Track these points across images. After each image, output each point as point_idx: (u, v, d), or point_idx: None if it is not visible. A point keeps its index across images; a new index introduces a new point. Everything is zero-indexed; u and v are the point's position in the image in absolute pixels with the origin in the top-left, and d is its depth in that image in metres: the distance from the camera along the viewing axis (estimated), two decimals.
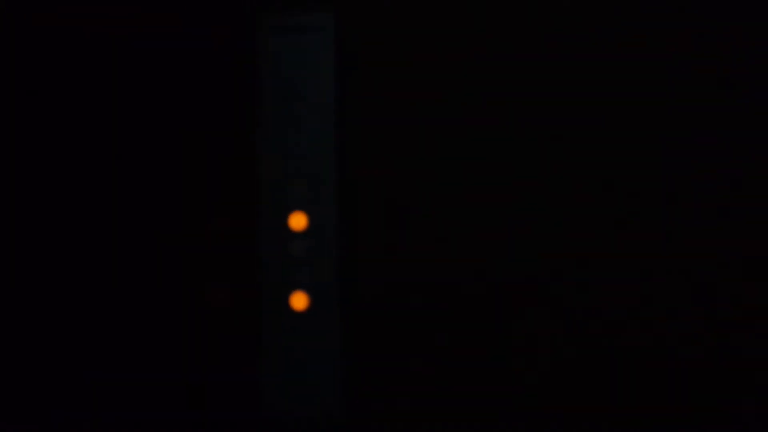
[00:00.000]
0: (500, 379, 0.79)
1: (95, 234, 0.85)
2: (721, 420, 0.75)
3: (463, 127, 0.80)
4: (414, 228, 0.81)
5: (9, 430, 0.84)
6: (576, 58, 0.78)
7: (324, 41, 0.81)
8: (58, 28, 0.85)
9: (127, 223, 0.84)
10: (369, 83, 0.82)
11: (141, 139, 0.85)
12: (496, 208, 0.79)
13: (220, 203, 0.83)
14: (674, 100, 0.77)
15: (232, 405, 0.82)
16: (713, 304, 0.75)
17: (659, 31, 0.77)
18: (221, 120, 0.84)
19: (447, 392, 0.79)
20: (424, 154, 0.81)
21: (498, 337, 0.79)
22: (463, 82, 0.80)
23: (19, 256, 0.85)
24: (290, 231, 0.81)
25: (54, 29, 0.85)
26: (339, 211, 0.81)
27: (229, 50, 0.84)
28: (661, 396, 0.76)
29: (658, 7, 0.77)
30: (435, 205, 0.80)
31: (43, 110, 0.85)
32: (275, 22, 0.82)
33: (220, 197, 0.84)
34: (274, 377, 0.81)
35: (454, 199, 0.80)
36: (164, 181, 0.84)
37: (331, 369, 0.80)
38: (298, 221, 0.81)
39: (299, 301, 0.80)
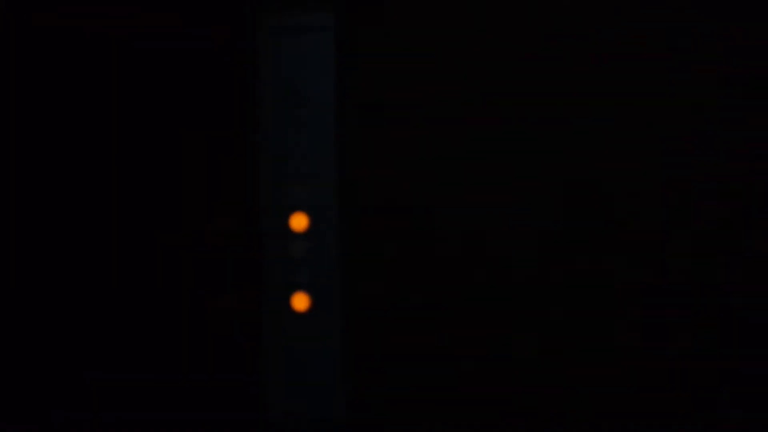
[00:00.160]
0: (501, 379, 0.79)
1: (96, 234, 0.84)
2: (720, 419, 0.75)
3: (465, 127, 0.80)
4: (415, 228, 0.80)
5: (9, 430, 0.83)
6: (578, 59, 0.78)
7: (325, 41, 0.81)
8: (58, 28, 0.85)
9: (127, 223, 0.84)
10: (370, 83, 0.82)
11: (141, 140, 0.84)
12: (499, 208, 0.79)
13: (220, 204, 0.83)
14: (674, 100, 0.77)
15: (232, 405, 0.82)
16: (713, 304, 0.75)
17: (659, 31, 0.77)
18: (221, 120, 0.84)
19: (448, 393, 0.79)
20: (426, 154, 0.81)
21: (499, 338, 0.79)
22: (466, 82, 0.80)
23: (18, 256, 0.85)
24: (291, 232, 0.81)
25: (54, 29, 0.85)
26: (340, 211, 0.81)
27: (229, 50, 0.84)
28: (662, 395, 0.76)
29: (658, 7, 0.77)
30: (436, 205, 0.80)
31: (43, 110, 0.85)
32: (275, 22, 0.82)
33: (220, 198, 0.83)
34: (275, 378, 0.81)
35: (455, 199, 0.80)
36: (164, 182, 0.84)
37: (332, 369, 0.80)
38: (299, 222, 0.81)
39: (300, 301, 0.80)
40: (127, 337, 0.84)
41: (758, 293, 0.74)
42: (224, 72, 0.84)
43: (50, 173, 0.85)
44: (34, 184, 0.85)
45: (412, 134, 0.81)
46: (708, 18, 0.76)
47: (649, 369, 0.76)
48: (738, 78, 0.75)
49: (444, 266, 0.80)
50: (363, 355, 0.81)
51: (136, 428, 0.83)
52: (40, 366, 0.84)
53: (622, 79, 0.77)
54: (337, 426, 0.80)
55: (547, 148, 0.78)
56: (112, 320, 0.84)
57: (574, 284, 0.78)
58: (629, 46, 0.77)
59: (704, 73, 0.76)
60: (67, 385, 0.84)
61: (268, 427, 0.81)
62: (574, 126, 0.78)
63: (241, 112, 0.83)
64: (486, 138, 0.80)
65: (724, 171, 0.75)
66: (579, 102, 0.78)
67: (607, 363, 0.77)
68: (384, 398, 0.80)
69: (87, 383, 0.84)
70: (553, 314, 0.78)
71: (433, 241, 0.80)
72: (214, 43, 0.84)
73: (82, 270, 0.84)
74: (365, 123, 0.81)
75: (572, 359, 0.77)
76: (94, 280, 0.84)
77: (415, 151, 0.81)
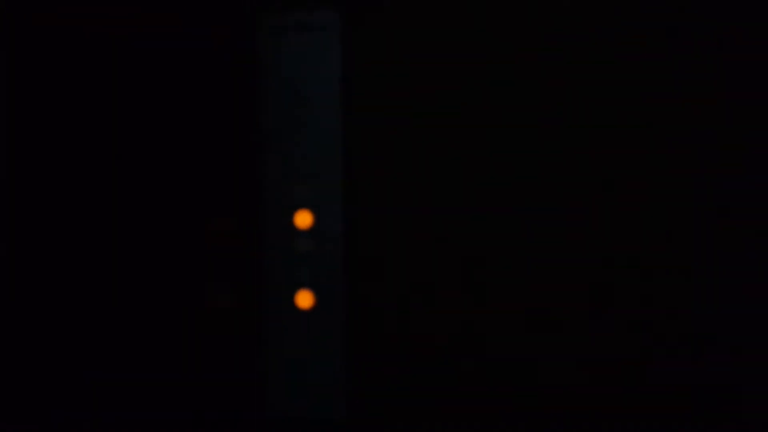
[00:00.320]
0: (502, 379, 0.79)
1: (97, 234, 0.84)
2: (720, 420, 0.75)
3: (470, 126, 0.80)
4: (420, 227, 0.81)
5: (9, 430, 0.83)
6: (581, 61, 0.79)
7: (328, 40, 0.81)
8: (58, 28, 0.85)
9: (129, 224, 0.84)
10: (373, 83, 0.82)
11: (143, 140, 0.84)
12: (503, 208, 0.79)
13: (223, 203, 0.83)
14: (674, 100, 0.77)
15: (234, 404, 0.82)
16: (714, 303, 0.75)
17: (659, 31, 0.77)
18: (223, 120, 0.84)
19: (450, 393, 0.79)
20: (431, 154, 0.81)
21: (500, 338, 0.79)
22: (471, 81, 0.80)
23: (19, 256, 0.84)
24: (295, 229, 0.81)
25: (54, 29, 0.85)
26: (344, 210, 0.80)
27: (230, 50, 0.84)
28: (662, 396, 0.76)
29: (658, 7, 0.77)
30: (442, 205, 0.80)
31: (43, 111, 0.85)
32: (277, 22, 0.82)
33: (223, 197, 0.83)
34: (278, 376, 0.81)
35: (459, 198, 0.80)
36: (166, 181, 0.84)
37: (335, 368, 0.80)
38: (303, 220, 0.81)
39: (304, 299, 0.80)
40: (127, 336, 0.84)
41: (758, 294, 0.75)
42: (225, 72, 0.84)
43: (51, 173, 0.85)
44: (34, 185, 0.85)
45: (417, 133, 0.81)
46: (709, 18, 0.76)
47: (649, 369, 0.76)
48: (738, 78, 0.76)
49: (447, 266, 0.80)
50: (365, 355, 0.81)
51: (136, 428, 0.83)
52: (41, 366, 0.84)
53: (627, 81, 0.78)
54: (339, 425, 0.80)
55: (555, 149, 0.79)
56: (112, 319, 0.84)
57: (574, 284, 0.78)
58: (632, 47, 0.78)
59: (704, 73, 0.76)
60: (67, 385, 0.84)
61: (270, 426, 0.81)
62: (579, 127, 0.78)
63: (242, 111, 0.84)
64: (491, 137, 0.80)
65: (724, 171, 0.76)
66: (584, 103, 0.78)
67: (607, 363, 0.77)
68: (385, 398, 0.80)
69: (87, 383, 0.84)
70: (553, 314, 0.78)
71: (436, 241, 0.80)
72: (215, 43, 0.84)
73: (83, 269, 0.84)
74: (369, 122, 0.81)
75: (573, 359, 0.77)
76: (95, 279, 0.84)
77: (420, 151, 0.81)
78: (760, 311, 0.74)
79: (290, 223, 0.81)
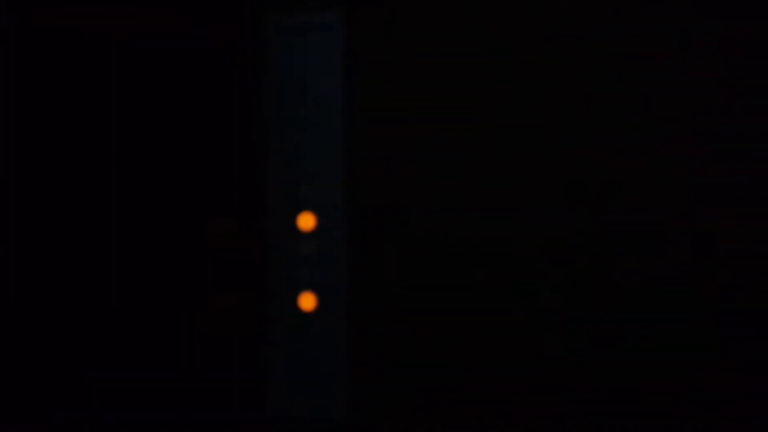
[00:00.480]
0: (502, 379, 0.79)
1: (99, 235, 0.84)
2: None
3: (472, 127, 0.80)
4: (422, 228, 0.80)
5: (9, 430, 0.83)
6: (583, 62, 0.79)
7: (331, 41, 0.81)
8: (58, 28, 0.85)
9: (132, 224, 0.84)
10: (377, 83, 0.81)
11: (147, 140, 0.84)
12: (504, 209, 0.79)
13: (226, 204, 0.83)
14: (675, 100, 0.77)
15: (236, 405, 0.82)
16: (713, 301, 0.76)
17: (660, 31, 0.77)
18: (227, 120, 0.84)
19: (453, 393, 0.79)
20: (433, 155, 0.80)
21: (500, 338, 0.79)
22: (475, 82, 0.80)
23: (19, 256, 0.84)
24: (299, 231, 0.81)
25: (54, 29, 0.85)
26: (346, 211, 0.80)
27: (234, 50, 0.84)
28: (662, 398, 0.76)
29: (659, 7, 0.77)
30: (444, 206, 0.80)
31: (43, 111, 0.85)
32: (281, 22, 0.81)
33: (227, 198, 0.83)
34: (280, 377, 0.81)
35: (462, 200, 0.80)
36: (170, 182, 0.84)
37: (337, 370, 0.80)
38: (306, 222, 0.81)
39: (307, 301, 0.80)
40: (129, 336, 0.84)
41: (758, 293, 0.75)
42: (229, 72, 0.84)
43: (51, 174, 0.85)
44: (34, 185, 0.85)
45: (421, 135, 0.81)
46: (709, 18, 0.76)
47: (649, 371, 0.76)
48: (738, 78, 0.76)
49: (449, 267, 0.80)
50: (366, 355, 0.81)
51: (137, 428, 0.83)
52: (41, 366, 0.84)
53: (630, 82, 0.78)
54: (341, 426, 0.80)
55: (552, 149, 0.79)
56: (114, 319, 0.84)
57: (574, 284, 0.78)
58: (634, 48, 0.78)
59: (704, 73, 0.76)
60: (67, 385, 0.84)
61: (272, 427, 0.81)
62: (579, 127, 0.78)
63: (246, 111, 0.83)
64: (493, 139, 0.80)
65: (724, 171, 0.76)
66: (590, 105, 0.78)
67: (609, 364, 0.77)
68: (388, 399, 0.80)
69: (87, 383, 0.84)
70: (553, 315, 0.78)
71: (438, 242, 0.80)
72: (219, 43, 0.84)
73: (84, 269, 0.84)
74: (372, 123, 0.81)
75: (574, 359, 0.78)
76: (97, 279, 0.84)
77: (423, 152, 0.81)
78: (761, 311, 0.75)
79: (293, 225, 0.81)
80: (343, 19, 0.81)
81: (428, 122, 0.81)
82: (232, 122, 0.84)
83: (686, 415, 0.76)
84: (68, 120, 0.85)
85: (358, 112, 0.81)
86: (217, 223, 0.83)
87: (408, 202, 0.81)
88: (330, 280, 0.80)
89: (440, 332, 0.80)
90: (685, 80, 0.77)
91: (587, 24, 0.78)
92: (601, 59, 0.78)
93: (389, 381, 0.80)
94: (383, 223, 0.81)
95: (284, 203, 0.81)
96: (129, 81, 0.85)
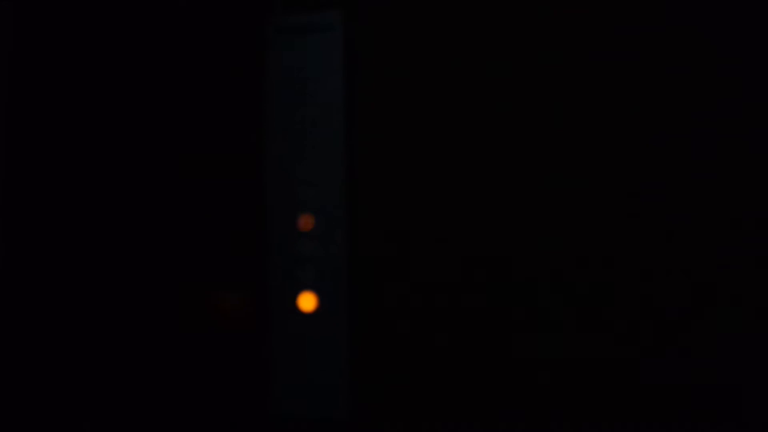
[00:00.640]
0: (502, 379, 0.79)
1: (98, 234, 0.84)
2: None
3: (476, 128, 0.80)
4: (423, 228, 0.80)
5: (9, 430, 0.83)
6: (585, 63, 0.79)
7: (332, 40, 0.81)
8: (58, 27, 0.85)
9: (132, 224, 0.84)
10: (378, 82, 0.81)
11: (147, 137, 0.84)
12: (505, 210, 0.79)
13: (227, 203, 0.83)
14: (675, 100, 0.77)
15: (239, 404, 0.82)
16: (714, 303, 0.76)
17: (660, 31, 0.78)
18: (228, 118, 0.84)
19: (453, 393, 0.79)
20: (434, 155, 0.80)
21: (501, 339, 0.79)
22: (476, 81, 0.80)
23: (19, 255, 0.84)
24: (299, 232, 0.81)
25: (54, 28, 0.85)
26: (348, 212, 0.80)
27: (235, 49, 0.84)
28: (662, 399, 0.76)
29: (659, 7, 0.78)
30: (445, 205, 0.80)
31: (42, 111, 0.85)
32: (282, 22, 0.81)
33: (227, 197, 0.83)
34: (280, 376, 0.81)
35: (464, 200, 0.80)
36: (170, 179, 0.84)
37: (338, 369, 0.80)
38: (306, 223, 0.81)
39: (308, 303, 0.80)
40: (130, 335, 0.83)
41: (757, 292, 0.75)
42: (230, 72, 0.84)
43: (52, 174, 0.85)
44: (35, 185, 0.85)
45: (422, 134, 0.81)
46: (709, 18, 0.77)
47: (650, 372, 0.77)
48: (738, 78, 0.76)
49: (450, 268, 0.80)
50: (367, 355, 0.80)
51: (138, 427, 0.83)
52: (41, 366, 0.84)
53: (632, 83, 0.78)
54: (344, 425, 0.80)
55: (559, 148, 0.79)
56: (116, 318, 0.84)
57: (574, 286, 0.78)
58: (636, 48, 0.78)
59: (705, 74, 0.77)
60: (67, 385, 0.84)
61: (275, 426, 0.81)
62: (583, 129, 0.78)
63: (247, 109, 0.83)
64: (496, 139, 0.79)
65: (724, 171, 0.76)
66: (593, 106, 0.78)
67: (609, 364, 0.77)
68: (387, 398, 0.80)
69: (87, 383, 0.83)
70: (553, 315, 0.78)
71: (441, 243, 0.80)
72: (220, 43, 0.84)
73: (86, 269, 0.84)
74: (374, 122, 0.81)
75: (574, 360, 0.78)
76: (98, 279, 0.84)
77: (424, 151, 0.80)
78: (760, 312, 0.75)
79: (294, 226, 0.81)
80: (344, 18, 0.81)
81: (429, 122, 0.80)
82: (233, 120, 0.84)
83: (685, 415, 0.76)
84: (68, 120, 0.85)
85: (359, 112, 0.81)
86: (216, 223, 0.83)
87: (410, 203, 0.80)
88: (330, 280, 0.80)
89: (440, 332, 0.80)
90: (685, 80, 0.77)
91: (596, 29, 0.79)
92: (613, 65, 0.78)
93: (390, 380, 0.80)
94: (384, 223, 0.81)
95: (284, 203, 0.81)
96: (131, 81, 0.85)
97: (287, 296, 0.81)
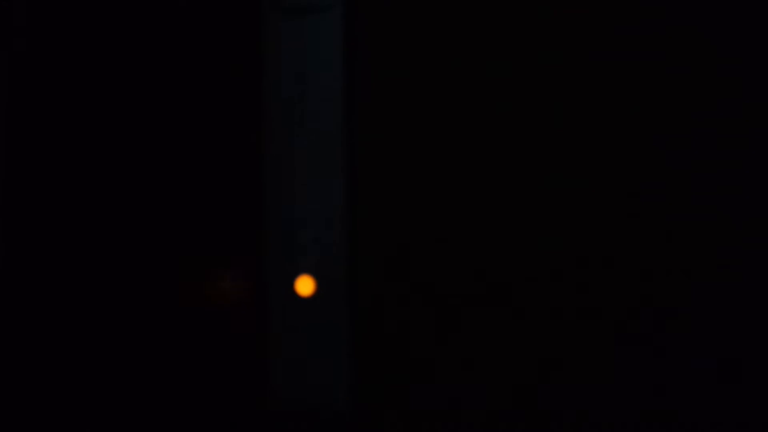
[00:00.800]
0: (502, 378, 0.78)
1: (97, 232, 0.84)
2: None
3: (479, 121, 0.80)
4: (423, 220, 0.80)
5: (9, 430, 0.83)
6: (587, 63, 0.79)
7: (332, 22, 0.79)
8: (58, 27, 0.85)
9: (129, 218, 0.84)
10: (380, 67, 0.81)
11: (145, 131, 0.84)
12: (505, 209, 0.79)
13: (225, 193, 0.83)
14: (675, 100, 0.77)
15: (238, 396, 0.82)
16: (714, 302, 0.76)
17: (660, 31, 0.78)
18: (225, 108, 0.84)
19: (453, 390, 0.79)
20: (435, 147, 0.80)
21: (500, 338, 0.79)
22: (481, 71, 0.80)
23: (20, 257, 0.84)
24: (297, 223, 0.80)
25: (54, 28, 0.85)
26: (347, 202, 0.80)
27: (231, 33, 0.83)
28: (662, 400, 0.76)
29: (659, 7, 0.78)
30: (445, 198, 0.80)
31: (43, 110, 0.85)
32: (279, 2, 0.80)
33: (225, 187, 0.83)
34: (280, 367, 0.81)
35: (464, 194, 0.80)
36: (169, 177, 0.84)
37: (339, 361, 0.79)
38: (305, 208, 0.80)
39: (306, 289, 0.80)
40: (129, 331, 0.83)
41: (757, 291, 0.75)
42: (226, 57, 0.83)
43: (52, 174, 0.85)
44: (34, 185, 0.85)
45: (424, 124, 0.80)
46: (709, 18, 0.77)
47: (650, 374, 0.76)
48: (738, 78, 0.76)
49: (449, 263, 0.80)
50: (368, 347, 0.80)
51: (138, 421, 0.83)
52: (41, 366, 0.84)
53: (633, 83, 0.78)
54: (343, 417, 0.80)
55: (561, 147, 0.79)
56: (115, 313, 0.84)
57: (574, 286, 0.78)
58: (637, 49, 0.78)
59: (704, 73, 0.77)
60: (67, 385, 0.83)
61: (274, 418, 0.81)
62: (584, 129, 0.78)
63: (245, 96, 0.83)
64: (500, 134, 0.79)
65: (724, 170, 0.76)
66: (594, 105, 0.78)
67: (609, 364, 0.77)
68: (387, 390, 0.80)
69: (87, 383, 0.83)
70: (553, 315, 0.78)
71: (441, 236, 0.80)
72: (217, 27, 0.83)
73: (83, 266, 0.84)
74: (375, 111, 0.80)
75: (574, 360, 0.77)
76: (95, 275, 0.84)
77: (425, 143, 0.80)
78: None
79: (293, 214, 0.81)
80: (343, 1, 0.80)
81: (434, 112, 0.80)
82: (231, 111, 0.83)
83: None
84: (69, 120, 0.85)
85: (359, 98, 0.80)
86: (214, 214, 0.83)
87: (410, 195, 0.80)
88: (330, 272, 0.79)
89: (440, 328, 0.79)
90: (685, 80, 0.77)
91: (598, 29, 0.78)
92: (615, 65, 0.78)
93: (391, 372, 0.80)
94: (384, 214, 0.80)
95: (284, 194, 0.81)
96: (130, 76, 0.85)
97: (286, 287, 0.80)
